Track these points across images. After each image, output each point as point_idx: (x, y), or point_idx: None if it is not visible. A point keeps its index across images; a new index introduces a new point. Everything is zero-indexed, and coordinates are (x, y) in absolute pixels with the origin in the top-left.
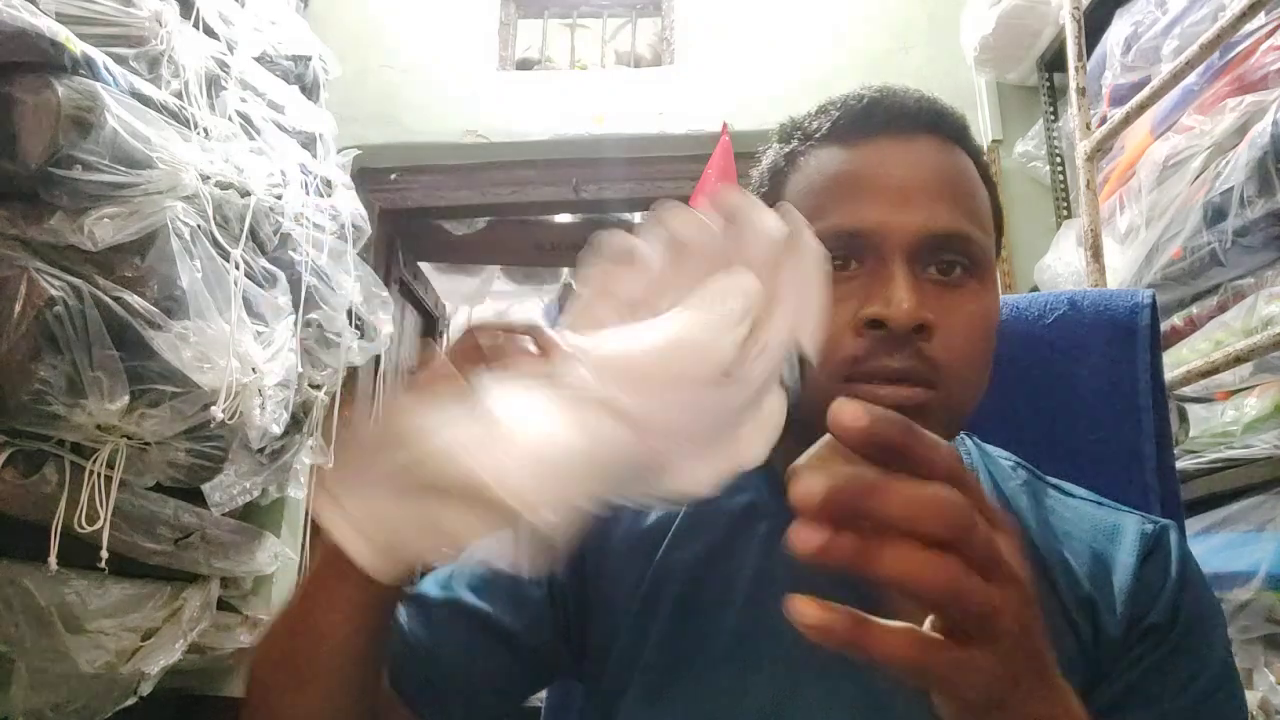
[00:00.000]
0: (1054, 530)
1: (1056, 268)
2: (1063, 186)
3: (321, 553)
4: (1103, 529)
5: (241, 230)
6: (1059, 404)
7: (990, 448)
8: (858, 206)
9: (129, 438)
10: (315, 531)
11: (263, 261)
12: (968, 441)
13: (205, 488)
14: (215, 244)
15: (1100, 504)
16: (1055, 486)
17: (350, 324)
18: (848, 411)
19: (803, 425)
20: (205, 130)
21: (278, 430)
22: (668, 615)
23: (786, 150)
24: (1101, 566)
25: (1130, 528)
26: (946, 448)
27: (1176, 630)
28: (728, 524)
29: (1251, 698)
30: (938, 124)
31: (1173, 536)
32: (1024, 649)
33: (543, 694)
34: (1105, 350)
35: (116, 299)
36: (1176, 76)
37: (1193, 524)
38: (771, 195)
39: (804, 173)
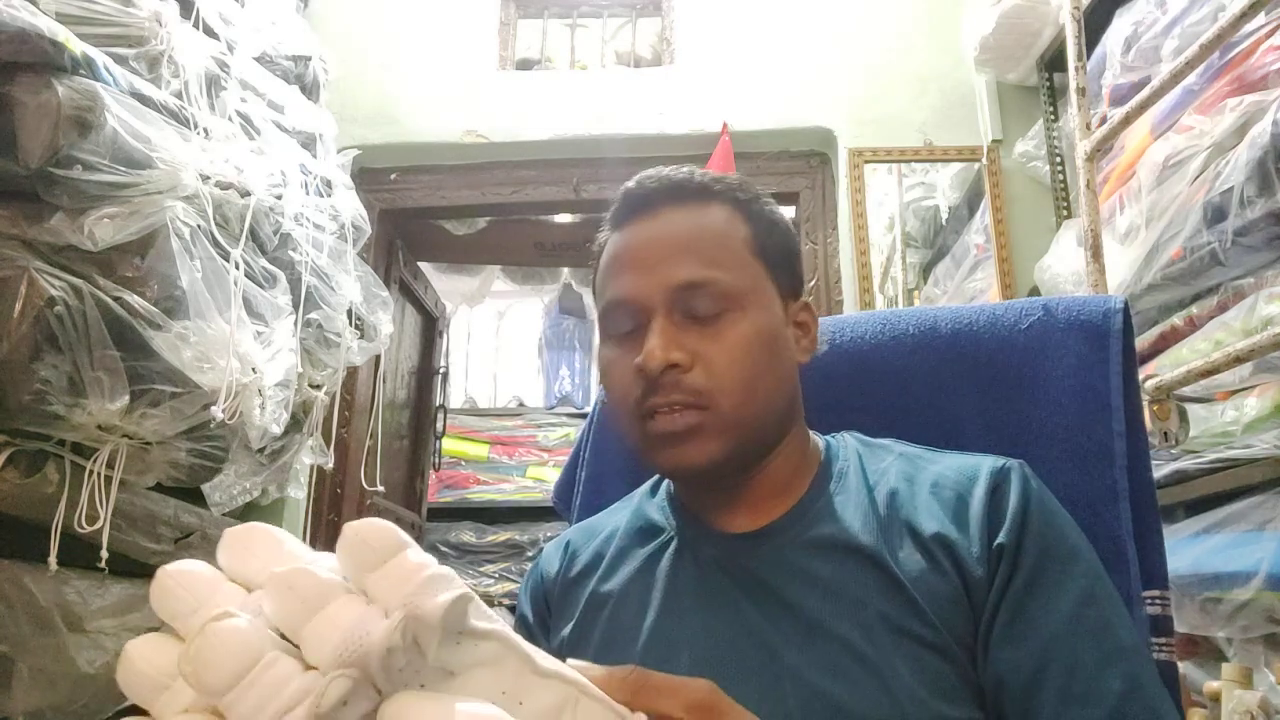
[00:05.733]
0: (923, 484)
1: (1056, 268)
2: (1063, 186)
3: None
4: (967, 474)
5: (241, 230)
6: (1033, 404)
7: (879, 440)
8: (621, 280)
9: (129, 438)
10: (315, 532)
11: (263, 261)
12: (845, 436)
13: (205, 488)
14: (215, 244)
15: (971, 456)
16: (939, 455)
17: (350, 324)
18: None
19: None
20: (205, 130)
21: (278, 430)
22: (599, 636)
23: (601, 237)
24: (963, 506)
25: (985, 467)
26: None
27: (1025, 554)
28: (647, 553)
29: (1251, 698)
30: (676, 194)
31: (1017, 470)
32: None
33: None
34: (1078, 352)
35: (116, 299)
36: (1176, 76)
37: (1193, 524)
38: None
39: (604, 256)
